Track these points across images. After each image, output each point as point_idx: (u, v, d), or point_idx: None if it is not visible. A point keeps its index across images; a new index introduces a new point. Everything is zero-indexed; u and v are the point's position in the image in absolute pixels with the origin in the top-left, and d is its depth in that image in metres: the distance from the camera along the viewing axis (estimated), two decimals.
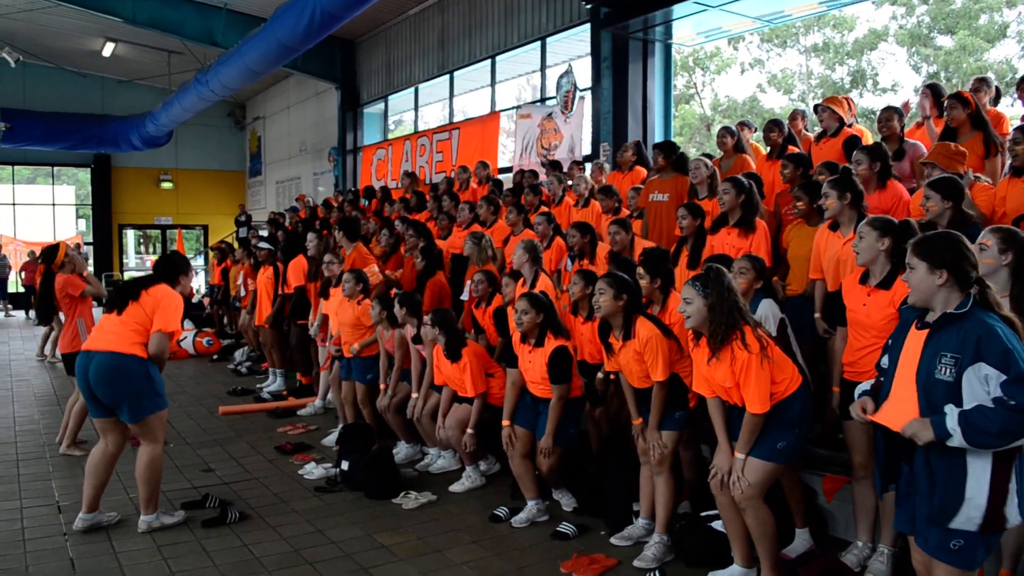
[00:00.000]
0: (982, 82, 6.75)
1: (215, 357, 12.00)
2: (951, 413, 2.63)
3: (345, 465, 5.71)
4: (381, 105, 17.37)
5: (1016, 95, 6.09)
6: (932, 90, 6.44)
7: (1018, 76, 6.21)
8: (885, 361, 3.02)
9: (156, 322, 4.75)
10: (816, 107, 6.90)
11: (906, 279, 2.89)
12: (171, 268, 4.99)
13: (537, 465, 4.98)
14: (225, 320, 13.57)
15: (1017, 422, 2.53)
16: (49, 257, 7.02)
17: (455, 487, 5.63)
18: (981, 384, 2.62)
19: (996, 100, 6.75)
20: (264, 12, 13.28)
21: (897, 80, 23.47)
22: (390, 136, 17.09)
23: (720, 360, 3.67)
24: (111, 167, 22.50)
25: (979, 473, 2.67)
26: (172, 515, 4.97)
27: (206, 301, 14.99)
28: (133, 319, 4.73)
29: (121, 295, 4.81)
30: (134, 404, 4.72)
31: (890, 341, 3.03)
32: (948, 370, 2.68)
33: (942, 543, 2.74)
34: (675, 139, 11.12)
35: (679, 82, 25.98)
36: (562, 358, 4.80)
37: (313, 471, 5.99)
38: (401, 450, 6.39)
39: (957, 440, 2.60)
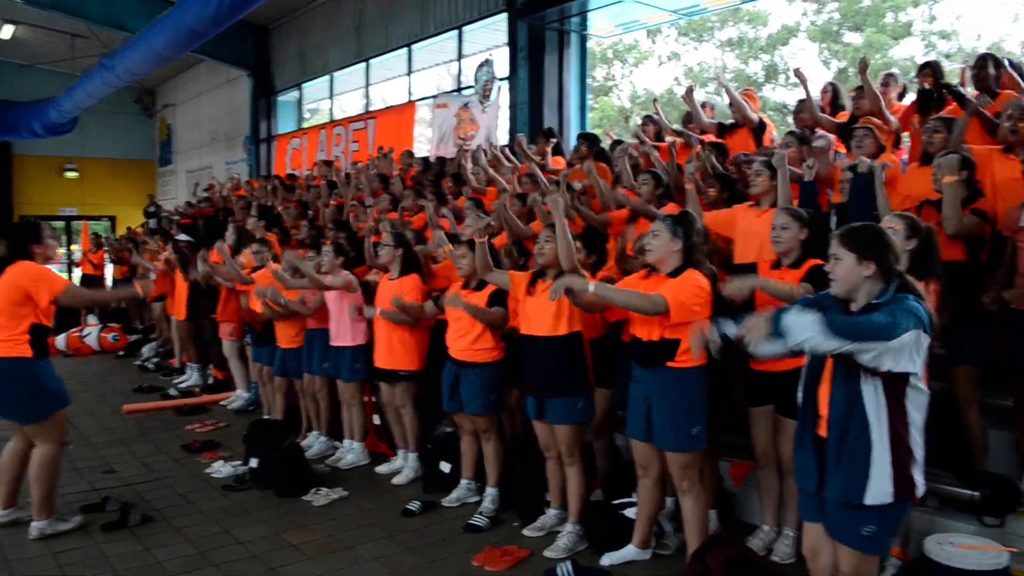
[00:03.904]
0: (890, 77, 6.94)
1: (121, 353, 11.58)
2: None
3: (254, 462, 5.57)
4: (295, 93, 17.02)
5: (916, 80, 6.30)
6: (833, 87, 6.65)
7: None
8: None
9: (41, 301, 4.48)
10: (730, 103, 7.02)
11: (830, 270, 2.87)
12: (19, 239, 4.59)
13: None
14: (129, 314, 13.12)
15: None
16: None
17: (397, 479, 5.58)
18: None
19: (902, 96, 6.95)
20: None
21: (808, 75, 24.08)
22: (305, 125, 16.79)
23: (667, 284, 3.79)
24: (12, 155, 21.43)
25: (879, 442, 2.70)
26: (68, 520, 4.73)
27: None
28: (2, 314, 4.45)
29: None
30: (24, 408, 4.49)
31: None
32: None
33: (854, 529, 2.78)
34: (594, 130, 11.19)
35: (599, 74, 26.17)
36: (501, 296, 4.78)
37: (221, 469, 5.84)
38: (313, 445, 6.26)
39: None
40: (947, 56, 20.18)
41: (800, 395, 2.97)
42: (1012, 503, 4.09)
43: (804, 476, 2.94)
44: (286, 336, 6.45)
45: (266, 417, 7.00)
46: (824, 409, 2.85)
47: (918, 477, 2.75)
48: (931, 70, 6.03)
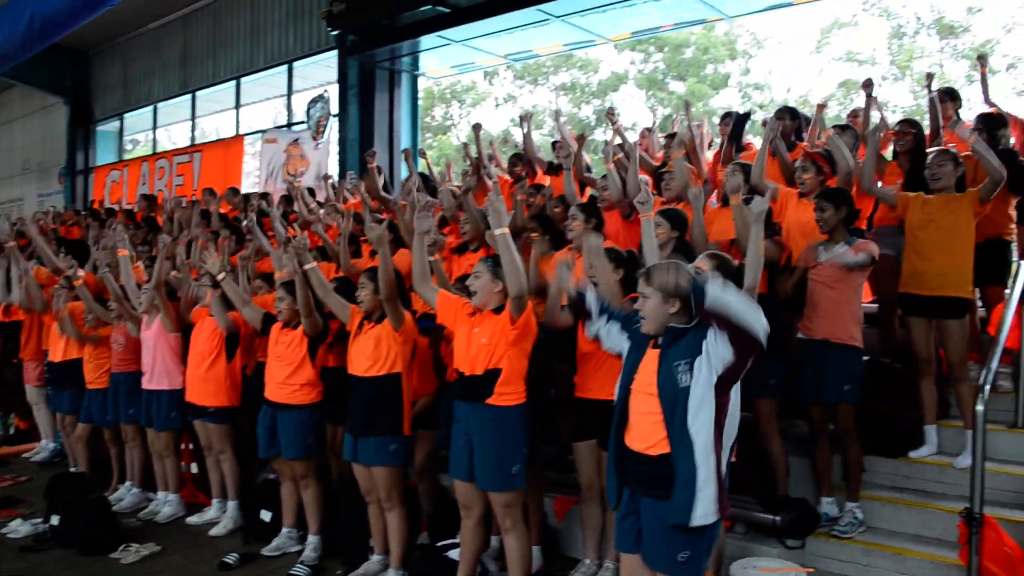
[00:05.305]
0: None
1: None
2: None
3: (56, 519, 5.18)
4: (116, 123, 16.28)
5: (719, 127, 6.73)
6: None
7: None
8: None
9: None
10: (554, 144, 7.23)
11: (639, 307, 3.01)
12: None
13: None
14: None
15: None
16: None
17: (216, 530, 5.32)
18: (714, 354, 2.79)
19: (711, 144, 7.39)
20: None
21: (636, 120, 25.32)
22: (126, 157, 16.05)
23: (492, 322, 3.83)
24: None
25: (703, 458, 2.80)
26: None
27: None
28: None
29: None
30: None
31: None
32: (686, 376, 2.82)
33: (671, 557, 2.86)
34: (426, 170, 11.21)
35: (437, 113, 26.45)
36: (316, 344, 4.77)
37: (19, 528, 5.39)
38: (124, 498, 5.88)
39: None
40: (760, 107, 21.77)
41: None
42: (811, 525, 4.37)
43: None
44: (91, 376, 6.06)
45: (72, 470, 6.51)
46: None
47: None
48: (731, 119, 6.46)
